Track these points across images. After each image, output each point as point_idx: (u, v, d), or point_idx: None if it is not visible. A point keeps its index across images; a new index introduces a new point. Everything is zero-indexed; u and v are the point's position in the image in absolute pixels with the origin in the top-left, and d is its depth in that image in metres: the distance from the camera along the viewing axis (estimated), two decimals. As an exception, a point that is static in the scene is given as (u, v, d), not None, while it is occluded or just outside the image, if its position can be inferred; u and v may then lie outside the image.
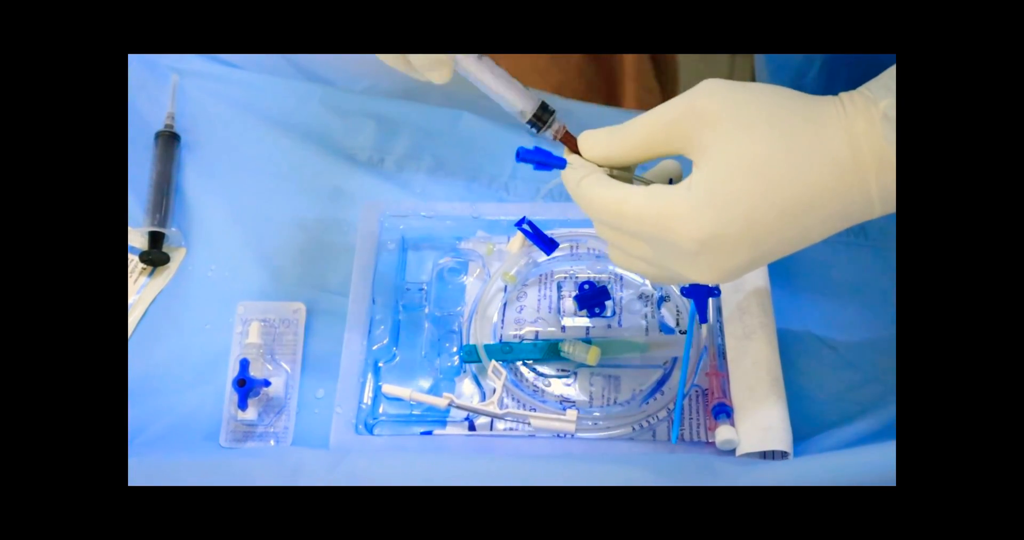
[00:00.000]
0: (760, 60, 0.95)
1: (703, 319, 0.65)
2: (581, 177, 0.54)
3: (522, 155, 0.55)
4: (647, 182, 0.55)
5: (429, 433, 0.64)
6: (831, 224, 0.50)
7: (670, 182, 0.56)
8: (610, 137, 0.54)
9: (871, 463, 0.55)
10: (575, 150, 0.56)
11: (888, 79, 0.50)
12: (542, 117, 0.57)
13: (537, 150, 0.56)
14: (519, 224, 0.64)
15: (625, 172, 0.55)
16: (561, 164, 0.55)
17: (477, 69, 0.57)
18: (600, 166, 0.55)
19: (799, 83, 0.88)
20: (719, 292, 0.65)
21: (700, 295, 0.64)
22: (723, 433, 0.61)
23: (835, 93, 0.53)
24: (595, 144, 0.55)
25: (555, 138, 0.57)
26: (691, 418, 0.64)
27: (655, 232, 0.51)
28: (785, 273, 0.69)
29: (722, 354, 0.65)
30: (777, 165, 0.49)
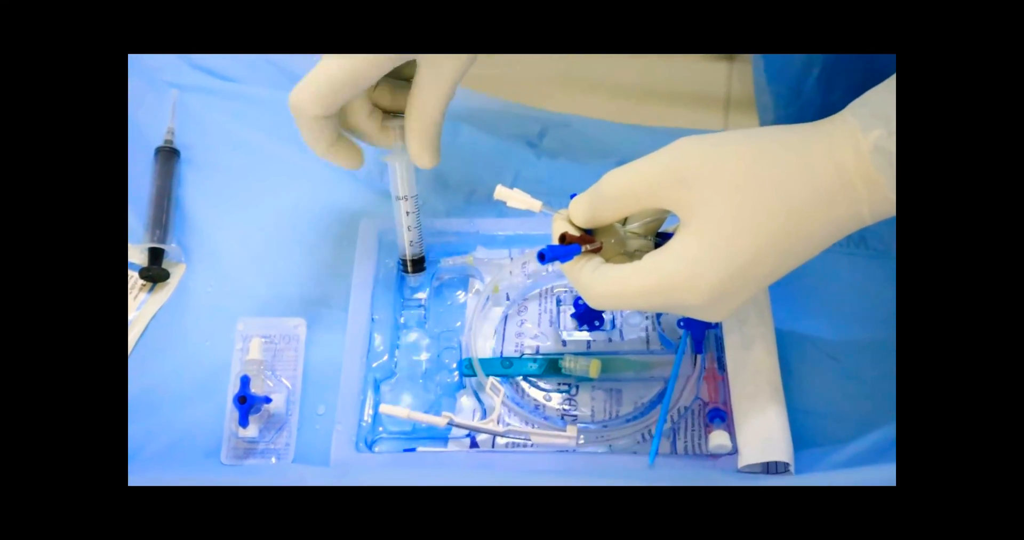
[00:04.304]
0: (759, 69, 0.95)
1: (698, 349, 0.65)
2: (580, 267, 0.55)
3: (548, 256, 0.54)
4: (638, 235, 0.57)
5: (412, 450, 0.64)
6: (825, 246, 0.52)
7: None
8: (590, 202, 0.55)
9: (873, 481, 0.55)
10: (574, 241, 0.56)
11: (880, 106, 0.49)
12: None
13: (553, 247, 0.55)
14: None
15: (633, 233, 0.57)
16: (577, 250, 0.55)
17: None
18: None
19: (798, 90, 0.88)
20: (718, 324, 0.66)
21: (697, 326, 0.65)
22: (716, 438, 0.61)
23: (834, 99, 0.52)
24: (576, 209, 0.55)
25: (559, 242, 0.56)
26: (692, 430, 0.64)
27: (659, 302, 0.52)
28: (785, 283, 0.68)
29: (721, 365, 0.65)
30: (764, 213, 0.50)
